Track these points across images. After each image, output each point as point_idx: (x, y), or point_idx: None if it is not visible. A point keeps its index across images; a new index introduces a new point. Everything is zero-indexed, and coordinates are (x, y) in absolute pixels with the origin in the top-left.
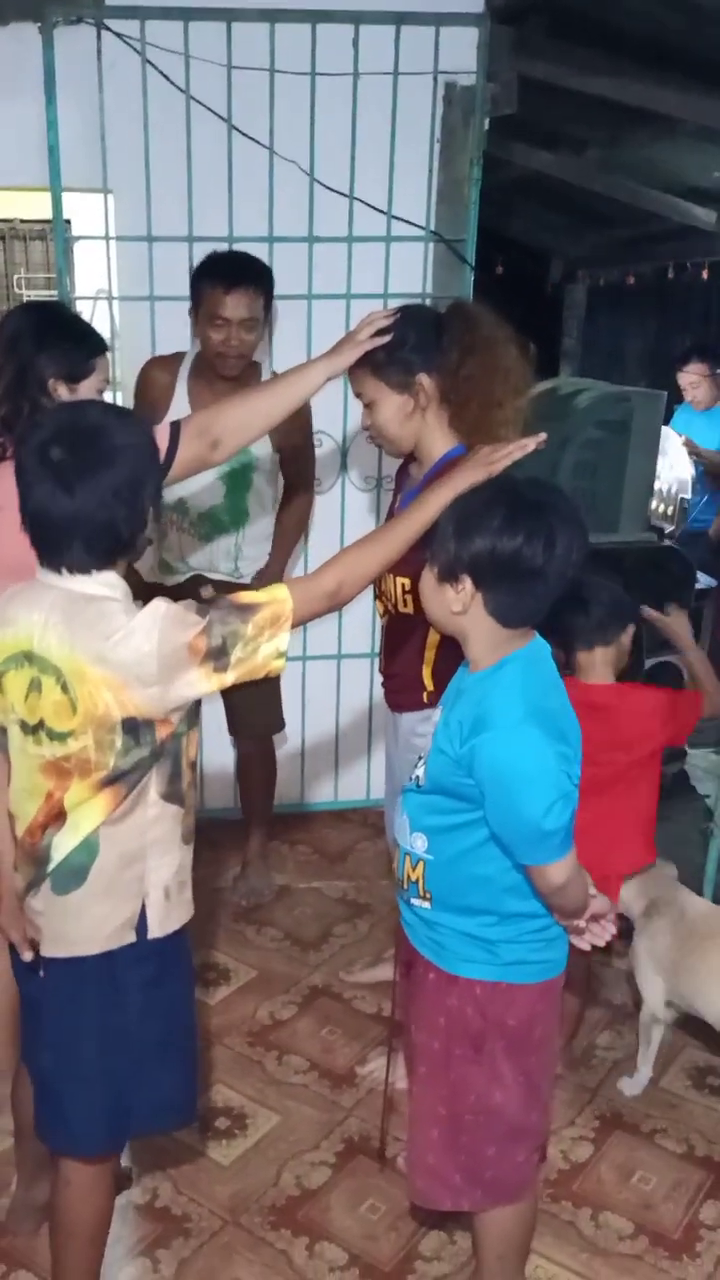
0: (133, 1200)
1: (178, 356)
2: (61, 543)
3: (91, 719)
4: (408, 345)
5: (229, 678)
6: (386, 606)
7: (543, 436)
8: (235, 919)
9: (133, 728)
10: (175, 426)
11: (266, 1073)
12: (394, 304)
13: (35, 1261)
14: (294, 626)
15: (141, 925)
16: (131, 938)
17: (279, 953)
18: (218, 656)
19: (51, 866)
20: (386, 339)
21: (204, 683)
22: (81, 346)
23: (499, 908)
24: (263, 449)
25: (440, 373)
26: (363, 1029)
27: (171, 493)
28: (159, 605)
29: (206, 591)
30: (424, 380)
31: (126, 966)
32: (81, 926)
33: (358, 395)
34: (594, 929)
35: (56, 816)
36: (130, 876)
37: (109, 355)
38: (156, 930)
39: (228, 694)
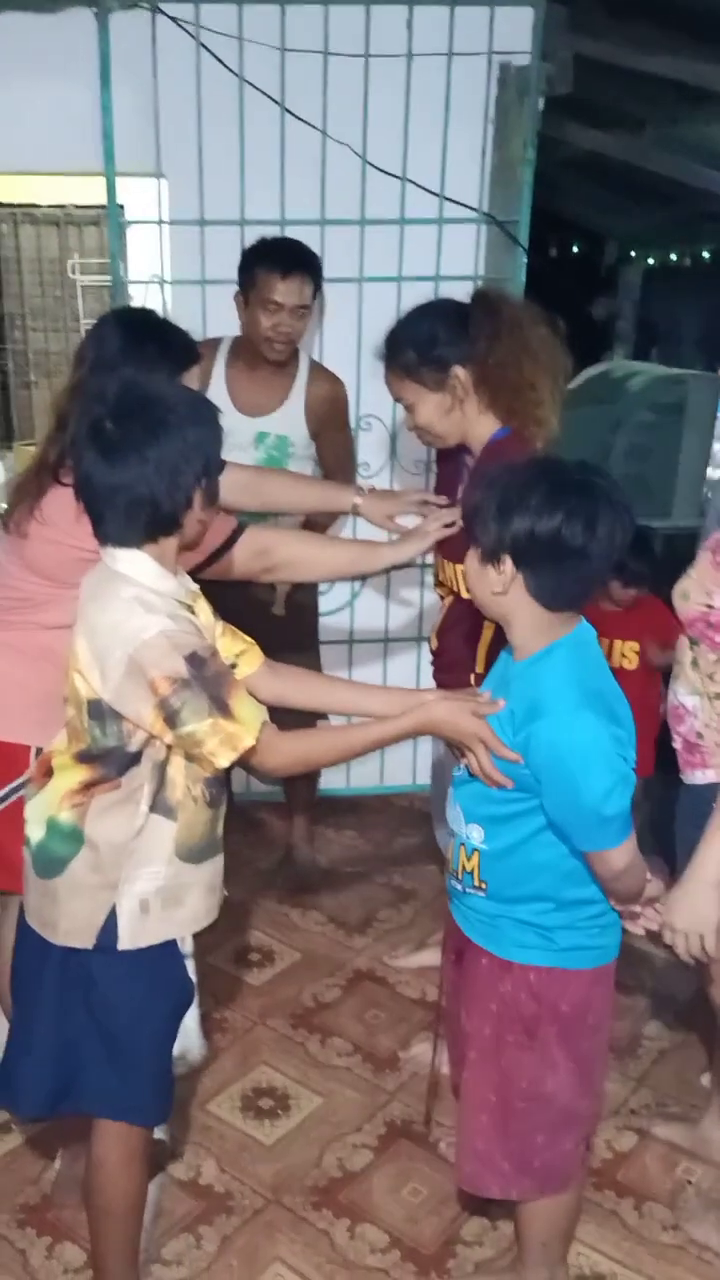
0: (176, 1176)
1: (214, 341)
2: (103, 513)
3: (73, 692)
4: (439, 343)
5: (168, 737)
6: (449, 590)
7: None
8: (280, 901)
9: (98, 714)
10: (238, 530)
11: (310, 1054)
12: (445, 287)
13: (80, 1234)
14: (239, 760)
15: (109, 934)
16: (89, 943)
17: (323, 936)
18: (169, 715)
19: (28, 830)
20: (454, 530)
21: (149, 719)
22: (163, 362)
23: (556, 895)
24: (298, 432)
25: (472, 363)
26: (406, 1013)
27: None
28: (152, 626)
29: (278, 609)
30: (458, 373)
31: (90, 967)
32: (54, 913)
33: (397, 399)
34: (648, 913)
35: (47, 773)
36: (100, 882)
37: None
38: (128, 942)
39: None
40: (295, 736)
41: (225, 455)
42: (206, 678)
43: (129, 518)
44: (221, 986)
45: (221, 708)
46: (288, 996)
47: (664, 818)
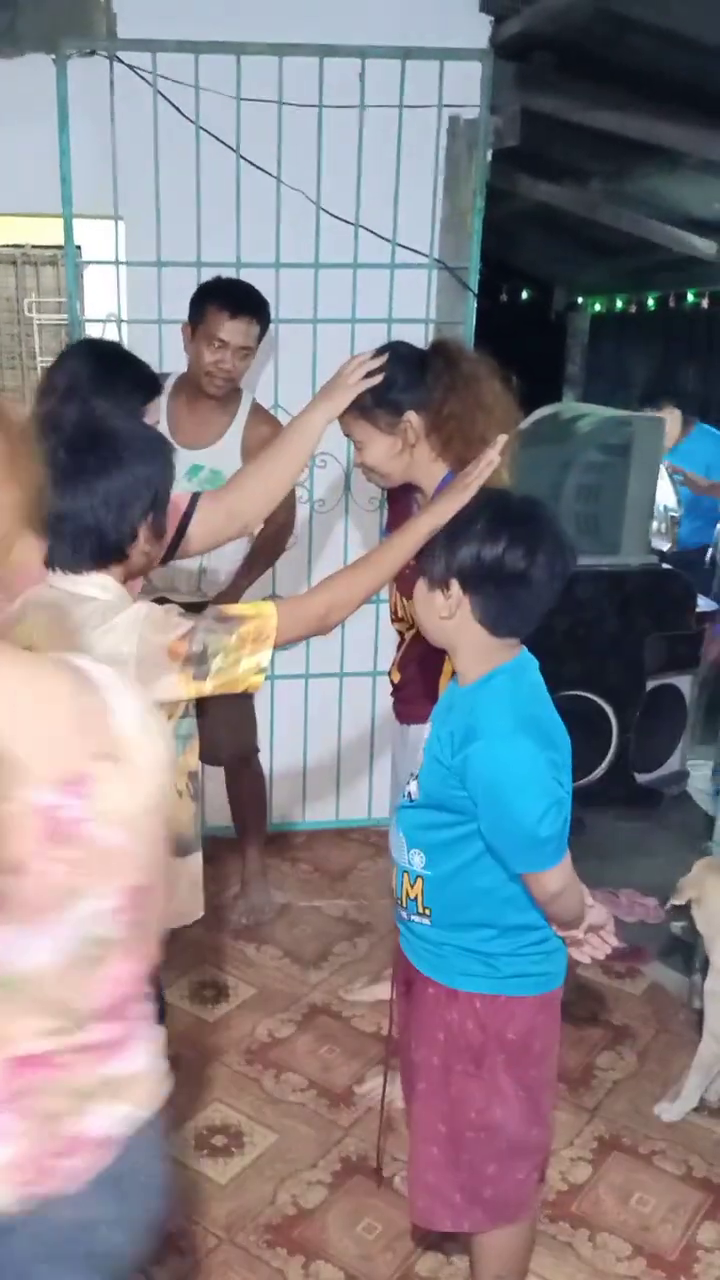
0: None
1: (162, 377)
2: (53, 540)
3: None
4: (395, 387)
5: (207, 686)
6: (408, 625)
7: (502, 442)
8: (235, 936)
9: None
10: (194, 500)
11: (264, 1091)
12: (397, 329)
13: None
14: (277, 646)
15: None
16: None
17: (279, 970)
18: (198, 663)
19: None
20: (378, 379)
21: (181, 688)
22: (136, 392)
23: (498, 921)
24: (232, 469)
25: (426, 410)
26: (362, 1047)
27: None
28: (140, 607)
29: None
30: (411, 418)
31: None
32: None
33: (347, 435)
34: (592, 941)
35: None
36: None
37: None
38: None
39: (199, 715)
40: (322, 589)
41: None
42: (204, 616)
43: (74, 545)
44: (176, 1023)
45: (231, 622)
46: (242, 1032)
47: None
